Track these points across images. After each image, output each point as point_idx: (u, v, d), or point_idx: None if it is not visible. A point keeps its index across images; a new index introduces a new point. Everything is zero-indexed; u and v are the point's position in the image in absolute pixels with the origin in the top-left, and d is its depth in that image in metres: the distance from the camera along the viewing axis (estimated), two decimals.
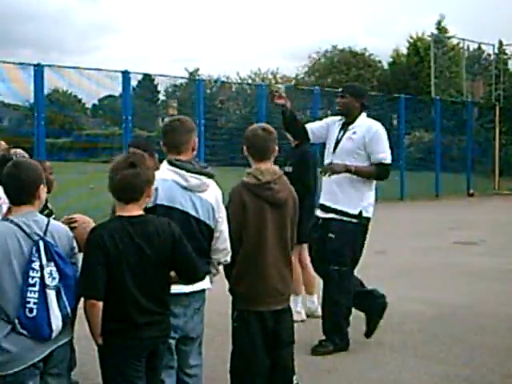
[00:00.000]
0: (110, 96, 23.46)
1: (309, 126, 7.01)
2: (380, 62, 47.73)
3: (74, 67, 17.35)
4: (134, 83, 20.07)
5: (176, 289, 4.17)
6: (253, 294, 4.71)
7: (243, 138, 4.94)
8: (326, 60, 47.53)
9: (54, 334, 3.77)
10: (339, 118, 6.91)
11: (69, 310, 3.83)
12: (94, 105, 25.85)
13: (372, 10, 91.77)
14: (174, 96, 27.62)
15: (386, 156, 6.62)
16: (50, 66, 16.04)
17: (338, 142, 6.74)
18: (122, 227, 3.86)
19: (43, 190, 3.92)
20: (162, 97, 28.81)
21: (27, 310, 3.70)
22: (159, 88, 28.50)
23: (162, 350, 4.12)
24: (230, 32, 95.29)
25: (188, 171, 4.42)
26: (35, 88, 15.50)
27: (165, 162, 4.55)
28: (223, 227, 4.55)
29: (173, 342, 4.38)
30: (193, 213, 4.41)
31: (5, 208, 4.48)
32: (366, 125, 6.74)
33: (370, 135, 6.60)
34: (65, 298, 3.81)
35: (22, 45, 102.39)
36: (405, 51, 44.97)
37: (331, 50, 47.91)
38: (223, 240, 4.54)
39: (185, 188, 4.41)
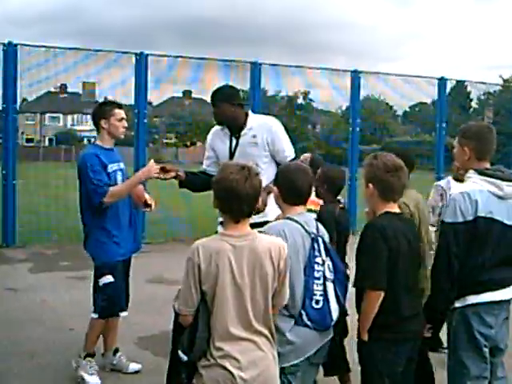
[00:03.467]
0: (421, 103, 23.21)
1: (204, 167, 6.30)
2: None
3: (389, 74, 17.33)
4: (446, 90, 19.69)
5: (488, 297, 4.24)
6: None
7: None
8: None
9: (331, 325, 4.03)
10: (219, 127, 6.14)
11: (342, 302, 4.08)
12: (404, 112, 25.70)
13: None
14: (488, 104, 26.67)
15: (292, 153, 5.98)
16: (366, 72, 16.19)
17: (233, 151, 6.02)
18: (394, 222, 4.12)
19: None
20: (474, 104, 27.99)
21: (314, 301, 3.96)
22: (472, 95, 27.73)
23: (418, 344, 4.26)
24: None
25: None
26: (352, 95, 15.73)
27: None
28: None
29: (486, 350, 4.33)
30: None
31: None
32: (261, 124, 5.99)
33: (271, 135, 5.90)
34: (338, 291, 4.06)
35: (337, 53, 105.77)
36: None
37: None
38: None
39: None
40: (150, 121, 14.73)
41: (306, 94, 23.26)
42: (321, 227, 4.20)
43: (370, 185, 4.17)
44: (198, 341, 3.51)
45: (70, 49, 13.37)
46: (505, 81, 47.51)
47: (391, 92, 18.27)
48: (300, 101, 24.41)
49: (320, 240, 4.06)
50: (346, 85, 15.88)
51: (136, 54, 13.20)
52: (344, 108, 18.13)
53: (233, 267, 3.52)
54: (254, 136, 5.96)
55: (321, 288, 3.98)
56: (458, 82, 23.45)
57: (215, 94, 6.07)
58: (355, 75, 15.58)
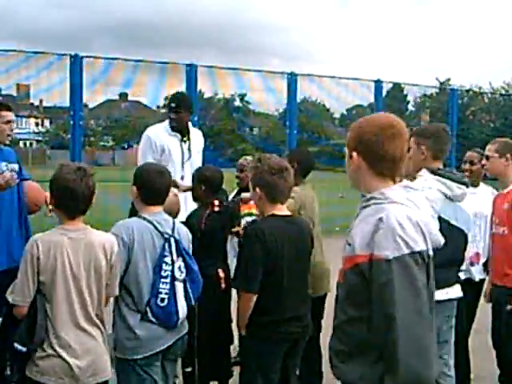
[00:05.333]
0: (358, 105, 23.44)
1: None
2: None
3: (326, 76, 17.40)
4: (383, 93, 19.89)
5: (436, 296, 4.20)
6: None
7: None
8: None
9: (178, 323, 4.17)
10: (163, 129, 6.49)
11: (193, 301, 4.23)
12: (341, 114, 25.92)
13: None
14: (424, 106, 27.07)
15: None
16: (302, 74, 16.21)
17: (184, 157, 6.48)
18: (278, 225, 4.18)
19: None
20: (411, 107, 28.39)
21: (159, 299, 4.08)
22: (408, 98, 28.11)
23: (301, 345, 4.38)
24: (482, 41, 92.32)
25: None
26: (288, 97, 15.75)
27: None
28: None
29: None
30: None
31: None
32: (197, 133, 6.69)
33: (203, 145, 6.53)
34: (190, 291, 4.19)
35: (272, 54, 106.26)
36: None
37: None
38: None
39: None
40: (87, 123, 14.50)
41: (242, 97, 23.28)
42: (181, 229, 4.33)
43: (257, 189, 4.22)
44: (38, 330, 3.64)
45: (3, 51, 13.11)
46: (441, 83, 48.41)
47: (328, 95, 18.38)
48: (237, 103, 24.44)
49: (172, 240, 4.18)
50: (282, 87, 15.90)
51: (71, 56, 13.00)
52: (281, 110, 18.16)
53: (70, 259, 3.72)
54: (197, 144, 6.50)
55: (167, 287, 4.12)
56: (394, 84, 23.80)
57: (182, 102, 6.37)
58: (291, 77, 15.60)
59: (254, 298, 4.08)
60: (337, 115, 26.03)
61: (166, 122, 6.59)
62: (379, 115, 2.98)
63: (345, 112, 26.37)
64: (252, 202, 5.42)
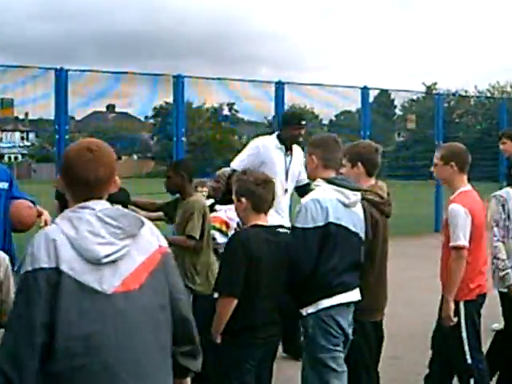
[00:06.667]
0: (346, 111, 23.48)
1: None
2: None
3: (313, 84, 17.48)
4: (370, 99, 19.94)
5: (339, 299, 4.46)
6: (374, 305, 4.91)
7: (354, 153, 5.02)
8: None
9: None
10: (275, 143, 6.85)
11: None
12: (330, 121, 25.95)
13: None
14: (411, 111, 27.15)
15: None
16: (290, 83, 16.26)
17: (288, 169, 6.84)
18: (261, 234, 4.27)
19: None
20: (398, 111, 28.48)
21: None
22: (396, 103, 28.20)
23: (275, 349, 4.47)
24: (467, 45, 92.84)
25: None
26: (276, 105, 15.78)
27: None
28: None
29: (340, 348, 4.58)
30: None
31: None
32: (297, 147, 6.95)
33: (302, 161, 6.52)
34: None
35: (261, 63, 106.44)
36: None
37: None
38: None
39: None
40: (73, 136, 14.47)
41: (231, 106, 23.28)
42: None
43: (243, 199, 4.31)
44: None
45: None
46: (428, 87, 48.62)
47: (316, 101, 18.44)
48: (225, 112, 24.44)
49: None
50: (271, 95, 15.91)
51: (56, 70, 12.98)
52: (270, 118, 18.18)
53: None
54: (300, 158, 6.72)
55: None
56: (381, 90, 23.87)
57: (304, 117, 7.01)
58: (279, 86, 15.63)
59: (235, 302, 4.14)
60: (325, 121, 26.05)
61: (274, 136, 6.97)
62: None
63: (333, 118, 26.41)
64: (219, 215, 5.51)
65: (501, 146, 7.81)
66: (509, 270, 5.61)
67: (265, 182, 4.35)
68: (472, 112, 30.15)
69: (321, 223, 4.38)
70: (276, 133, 7.01)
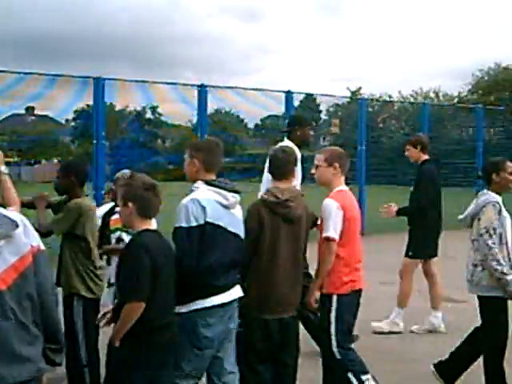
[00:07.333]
0: (272, 116, 23.53)
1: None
2: None
3: (237, 87, 17.43)
4: (295, 103, 20.02)
5: (214, 301, 4.56)
6: (261, 302, 4.99)
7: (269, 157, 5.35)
8: (489, 78, 46.18)
9: None
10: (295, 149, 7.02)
11: None
12: (255, 125, 26.02)
13: None
14: (336, 115, 27.44)
15: None
16: (213, 86, 16.20)
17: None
18: (156, 239, 4.29)
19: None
20: (323, 116, 28.74)
21: None
22: (321, 107, 28.44)
23: (173, 353, 4.44)
24: (391, 51, 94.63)
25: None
26: (199, 109, 15.69)
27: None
28: None
29: (208, 351, 4.65)
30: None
31: None
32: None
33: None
34: None
35: (185, 67, 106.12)
36: None
37: (495, 67, 46.54)
38: None
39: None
40: None
41: (154, 109, 23.09)
42: None
43: (130, 204, 4.30)
44: None
45: None
46: (352, 93, 49.30)
47: (242, 105, 18.39)
48: (148, 115, 24.24)
49: None
50: (194, 99, 15.80)
51: None
52: (194, 121, 18.10)
53: None
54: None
55: None
56: (306, 94, 24.00)
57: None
58: (202, 89, 15.55)
59: (143, 306, 4.12)
60: (251, 125, 26.11)
61: (287, 140, 7.33)
62: None
63: (259, 122, 26.51)
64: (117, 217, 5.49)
65: (406, 153, 8.31)
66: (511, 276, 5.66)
67: (153, 186, 4.36)
68: (395, 117, 30.67)
69: (201, 222, 4.50)
70: (285, 137, 7.38)
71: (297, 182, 6.96)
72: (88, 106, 15.13)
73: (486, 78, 46.58)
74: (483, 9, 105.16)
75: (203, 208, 4.51)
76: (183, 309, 4.55)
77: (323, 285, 5.34)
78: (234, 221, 4.75)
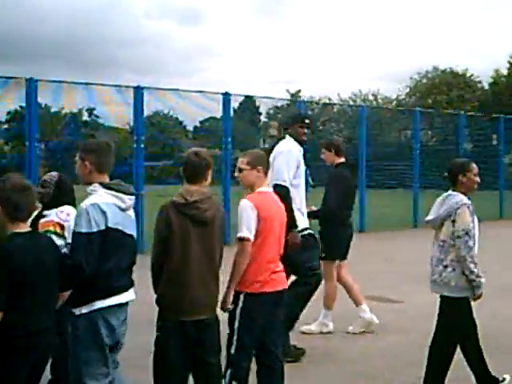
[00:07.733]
0: (211, 118, 23.38)
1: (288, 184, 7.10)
2: (480, 82, 47.06)
3: (174, 89, 17.27)
4: (235, 105, 19.94)
5: (113, 301, 4.63)
6: (176, 304, 4.95)
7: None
8: (428, 81, 46.96)
9: None
10: (298, 147, 7.35)
11: None
12: (195, 127, 25.82)
13: (473, 30, 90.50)
14: (276, 118, 27.46)
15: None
16: (149, 88, 16.01)
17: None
18: (23, 243, 4.18)
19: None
20: (263, 118, 28.78)
21: None
22: (261, 110, 28.47)
23: (49, 355, 4.49)
24: (330, 54, 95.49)
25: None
26: (135, 111, 15.48)
27: None
28: None
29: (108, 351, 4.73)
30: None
31: None
32: None
33: None
34: None
35: (123, 68, 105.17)
36: (505, 72, 44.25)
37: (432, 70, 47.39)
38: None
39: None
40: None
41: (91, 111, 22.71)
42: None
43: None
44: None
45: None
46: (292, 95, 49.56)
47: (181, 107, 18.19)
48: (85, 118, 23.85)
49: None
50: (131, 100, 15.59)
51: None
52: (132, 124, 17.86)
53: None
54: None
55: None
56: (246, 96, 23.96)
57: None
58: (138, 91, 15.35)
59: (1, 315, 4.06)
60: (190, 128, 25.91)
61: (290, 138, 7.35)
62: None
63: (198, 124, 26.34)
64: (51, 218, 5.49)
65: (321, 156, 8.59)
66: (484, 279, 5.77)
67: (24, 188, 4.26)
68: (335, 119, 30.88)
69: (102, 227, 4.52)
70: (286, 135, 7.40)
71: (300, 179, 7.27)
72: (22, 107, 14.82)
73: (424, 80, 47.35)
74: (421, 12, 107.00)
75: (104, 213, 4.53)
76: (84, 309, 4.58)
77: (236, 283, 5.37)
78: (130, 223, 4.82)
